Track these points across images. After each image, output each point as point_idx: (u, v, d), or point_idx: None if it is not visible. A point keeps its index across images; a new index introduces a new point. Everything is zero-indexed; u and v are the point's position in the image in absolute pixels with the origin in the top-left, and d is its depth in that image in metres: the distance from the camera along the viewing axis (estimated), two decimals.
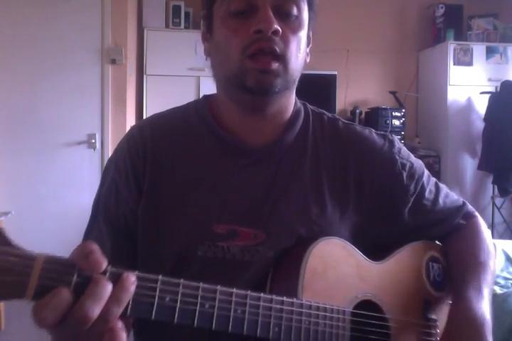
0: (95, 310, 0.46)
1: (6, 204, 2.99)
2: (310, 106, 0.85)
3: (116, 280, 0.48)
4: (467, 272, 0.80)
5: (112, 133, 3.20)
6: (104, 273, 0.48)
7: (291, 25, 0.69)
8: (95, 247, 0.48)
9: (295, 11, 0.69)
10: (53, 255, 0.47)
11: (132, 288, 0.49)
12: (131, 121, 3.36)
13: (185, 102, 0.85)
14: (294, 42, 0.69)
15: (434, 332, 0.77)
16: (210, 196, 0.74)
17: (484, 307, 0.74)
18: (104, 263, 0.48)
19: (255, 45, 0.67)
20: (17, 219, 2.86)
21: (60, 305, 0.45)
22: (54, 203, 3.12)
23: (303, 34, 0.71)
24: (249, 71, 0.67)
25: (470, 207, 0.90)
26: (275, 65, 0.67)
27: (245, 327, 0.57)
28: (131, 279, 0.49)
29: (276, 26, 0.66)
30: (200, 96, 0.85)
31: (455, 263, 0.83)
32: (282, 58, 0.68)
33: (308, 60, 0.77)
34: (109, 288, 0.47)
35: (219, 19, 0.71)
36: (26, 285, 0.45)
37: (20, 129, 3.10)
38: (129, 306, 0.49)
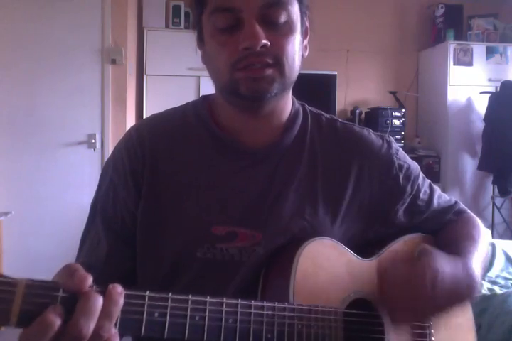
0: (90, 327, 0.45)
1: (6, 204, 2.99)
2: (308, 107, 0.84)
3: (103, 293, 0.47)
4: (458, 245, 0.80)
5: (112, 133, 3.19)
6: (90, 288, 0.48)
7: (282, 31, 0.68)
8: (79, 266, 0.48)
9: (283, 16, 0.68)
10: (35, 279, 0.46)
11: (121, 301, 0.48)
12: (131, 121, 3.35)
13: (185, 102, 0.84)
14: (287, 46, 0.68)
15: (427, 325, 0.77)
16: (208, 197, 0.73)
17: (476, 268, 0.74)
18: (89, 279, 0.47)
19: (245, 61, 0.66)
20: (17, 219, 2.86)
21: (48, 332, 0.44)
22: (54, 203, 3.11)
23: (296, 34, 0.70)
24: (241, 80, 0.67)
25: (462, 206, 0.92)
26: (269, 71, 0.67)
27: (237, 336, 0.56)
28: (118, 290, 0.48)
29: (264, 41, 0.65)
30: (200, 96, 0.85)
31: (446, 244, 0.83)
32: (277, 64, 0.67)
33: (306, 54, 0.76)
34: (99, 302, 0.47)
35: (208, 33, 0.70)
36: (9, 312, 0.44)
37: (20, 129, 3.09)
38: (117, 325, 0.48)
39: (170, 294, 0.52)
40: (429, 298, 0.67)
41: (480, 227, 0.87)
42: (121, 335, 0.49)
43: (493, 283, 1.87)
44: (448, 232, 0.86)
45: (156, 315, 0.51)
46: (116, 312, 0.48)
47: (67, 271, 0.48)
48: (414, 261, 0.70)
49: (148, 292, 0.51)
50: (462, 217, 0.89)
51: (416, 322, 0.73)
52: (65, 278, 0.47)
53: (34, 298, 0.45)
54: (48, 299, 0.45)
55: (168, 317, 0.51)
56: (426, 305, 0.68)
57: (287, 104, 0.78)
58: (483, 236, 0.85)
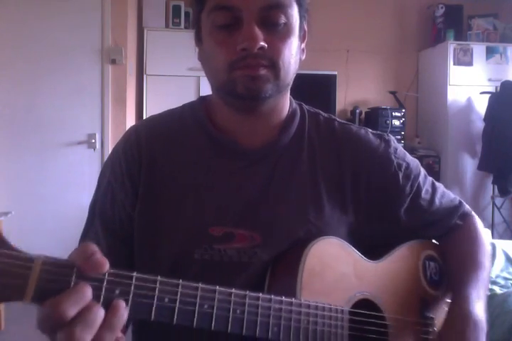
0: (87, 338, 0.46)
1: (6, 204, 2.99)
2: (306, 107, 0.84)
3: (108, 305, 0.48)
4: (465, 272, 0.80)
5: (112, 133, 3.20)
6: (105, 275, 0.48)
7: (280, 33, 0.68)
8: (96, 249, 0.48)
9: (283, 19, 0.68)
10: (52, 256, 0.47)
11: (125, 315, 0.48)
12: (131, 121, 3.36)
13: (185, 102, 0.85)
14: (284, 49, 0.68)
15: (431, 330, 0.77)
16: (206, 198, 0.73)
17: (481, 308, 0.75)
18: (106, 265, 0.48)
19: (242, 62, 0.66)
20: (17, 219, 2.86)
21: (82, 301, 0.45)
22: (54, 203, 3.11)
23: (294, 38, 0.70)
24: (238, 78, 0.67)
25: (467, 207, 0.91)
26: (263, 71, 0.67)
27: (244, 327, 0.57)
28: (123, 305, 0.48)
29: (261, 43, 0.65)
30: (198, 97, 0.85)
31: (453, 263, 0.83)
32: (272, 66, 0.67)
33: (303, 57, 0.76)
34: (101, 315, 0.47)
35: (206, 30, 0.70)
36: (25, 287, 0.44)
37: (20, 129, 3.10)
38: (128, 308, 0.49)
39: (181, 280, 0.53)
40: None
41: (484, 240, 0.87)
42: (132, 318, 0.50)
43: (493, 283, 1.87)
44: (454, 250, 0.85)
45: (166, 300, 0.52)
46: (120, 325, 0.48)
47: (84, 252, 0.48)
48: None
49: (159, 277, 0.52)
50: (467, 223, 0.89)
51: None
52: (81, 261, 0.47)
53: (50, 275, 0.45)
54: (63, 277, 0.46)
55: (177, 303, 0.52)
56: None
57: (285, 104, 0.78)
58: (488, 251, 0.86)
